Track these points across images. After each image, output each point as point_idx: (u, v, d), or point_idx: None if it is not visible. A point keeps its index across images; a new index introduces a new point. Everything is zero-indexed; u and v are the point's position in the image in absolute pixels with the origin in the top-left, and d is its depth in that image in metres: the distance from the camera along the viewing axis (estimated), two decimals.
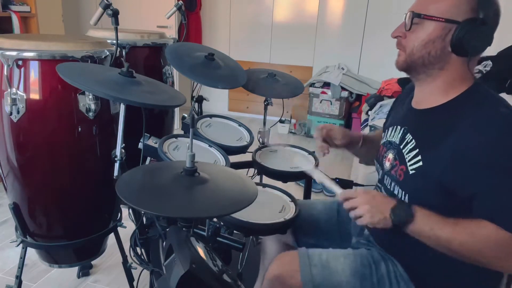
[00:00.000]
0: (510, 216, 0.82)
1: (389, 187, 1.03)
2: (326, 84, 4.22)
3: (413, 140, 0.96)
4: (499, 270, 0.85)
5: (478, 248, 0.84)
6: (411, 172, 0.94)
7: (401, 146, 1.00)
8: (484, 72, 2.31)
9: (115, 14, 1.28)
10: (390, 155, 1.04)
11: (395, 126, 1.07)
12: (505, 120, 0.84)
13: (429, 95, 0.98)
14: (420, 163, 0.92)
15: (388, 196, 0.97)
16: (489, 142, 0.82)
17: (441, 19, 0.89)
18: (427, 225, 0.88)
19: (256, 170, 1.51)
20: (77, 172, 1.37)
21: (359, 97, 4.18)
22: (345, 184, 1.53)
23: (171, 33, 4.08)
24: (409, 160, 0.95)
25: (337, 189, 1.03)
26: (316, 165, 1.44)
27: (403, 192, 0.97)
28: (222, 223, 1.20)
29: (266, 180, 1.46)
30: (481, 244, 0.83)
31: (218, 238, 1.22)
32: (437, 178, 0.88)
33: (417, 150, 0.94)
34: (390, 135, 1.09)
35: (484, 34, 0.88)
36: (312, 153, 1.53)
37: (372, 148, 1.26)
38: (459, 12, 0.88)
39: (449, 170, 0.86)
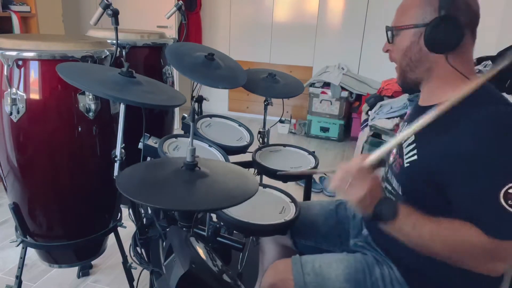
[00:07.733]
0: (491, 220, 0.82)
1: (390, 181, 1.05)
2: (326, 84, 4.22)
3: (413, 136, 0.98)
4: (476, 271, 0.86)
5: (459, 247, 0.84)
6: (405, 165, 0.96)
7: (402, 141, 1.01)
8: (484, 72, 2.31)
9: (115, 14, 1.28)
10: (395, 150, 1.06)
11: (405, 123, 1.11)
12: (502, 119, 0.84)
13: (430, 93, 1.00)
14: (415, 157, 0.94)
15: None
16: (484, 143, 0.82)
17: (410, 26, 0.95)
18: (409, 221, 0.87)
19: (256, 170, 1.51)
20: (77, 172, 1.37)
21: (359, 97, 4.18)
22: None
23: (171, 33, 4.08)
24: (406, 154, 0.97)
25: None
26: (316, 165, 1.44)
27: (398, 184, 0.99)
28: (222, 223, 1.20)
29: (266, 180, 1.46)
30: (462, 244, 0.84)
31: (218, 238, 1.22)
32: (428, 173, 0.89)
33: (414, 144, 0.96)
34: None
35: (450, 28, 0.91)
36: (312, 153, 1.53)
37: None
38: (425, 15, 0.93)
39: (441, 166, 0.87)
